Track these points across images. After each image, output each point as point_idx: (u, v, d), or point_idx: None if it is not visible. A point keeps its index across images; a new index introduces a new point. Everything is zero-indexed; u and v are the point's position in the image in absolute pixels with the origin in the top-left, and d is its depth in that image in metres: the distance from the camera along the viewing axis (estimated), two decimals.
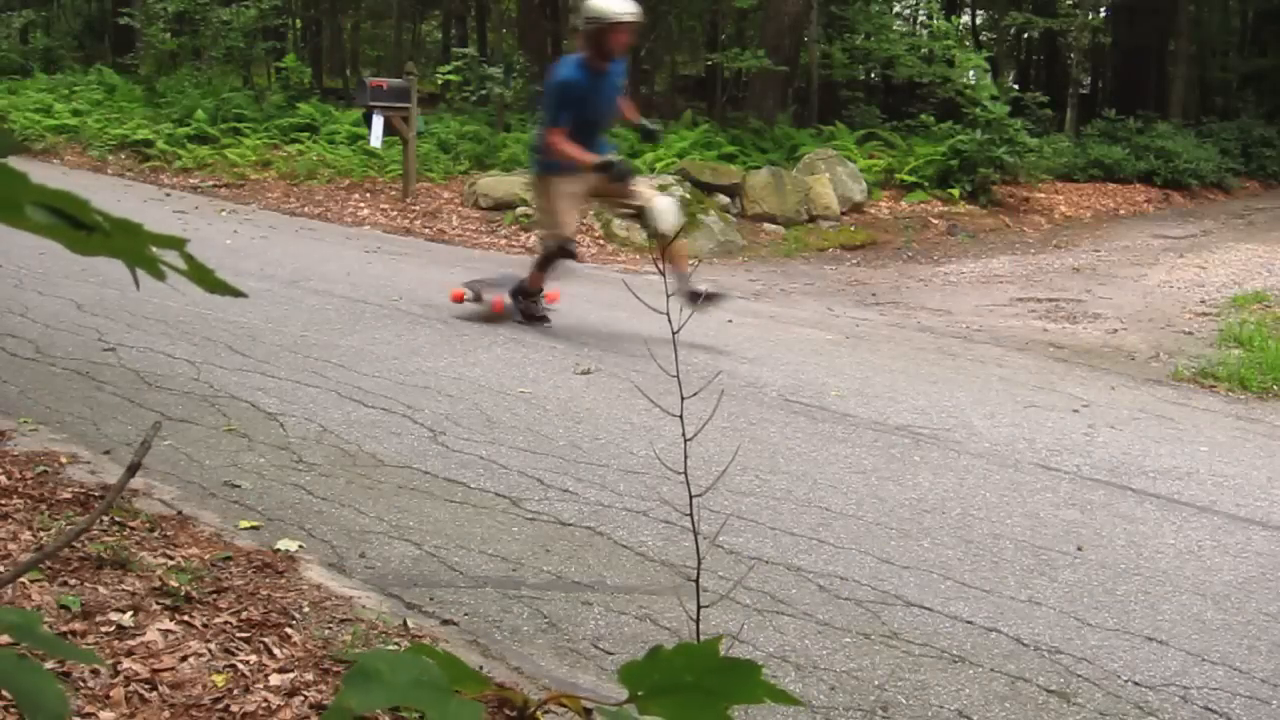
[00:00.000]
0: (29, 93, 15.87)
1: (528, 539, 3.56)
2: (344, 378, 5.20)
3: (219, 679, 2.49)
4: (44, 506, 3.41)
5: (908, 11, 21.66)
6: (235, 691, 2.45)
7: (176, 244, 0.66)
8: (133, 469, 0.87)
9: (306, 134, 13.92)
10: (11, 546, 3.06)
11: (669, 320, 1.73)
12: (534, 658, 2.85)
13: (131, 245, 0.65)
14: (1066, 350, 6.93)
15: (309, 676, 2.56)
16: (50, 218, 0.63)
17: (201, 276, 0.69)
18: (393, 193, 12.00)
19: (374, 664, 0.71)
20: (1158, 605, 3.32)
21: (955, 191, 12.70)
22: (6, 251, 6.97)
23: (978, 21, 22.59)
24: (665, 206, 6.31)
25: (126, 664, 2.50)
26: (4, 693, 1.39)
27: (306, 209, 11.42)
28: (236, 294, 0.71)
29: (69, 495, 3.55)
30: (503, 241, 10.47)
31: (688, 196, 10.58)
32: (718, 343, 6.29)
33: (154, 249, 0.66)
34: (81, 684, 2.40)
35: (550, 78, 6.36)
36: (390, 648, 2.74)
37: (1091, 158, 15.02)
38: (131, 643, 2.61)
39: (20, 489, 3.56)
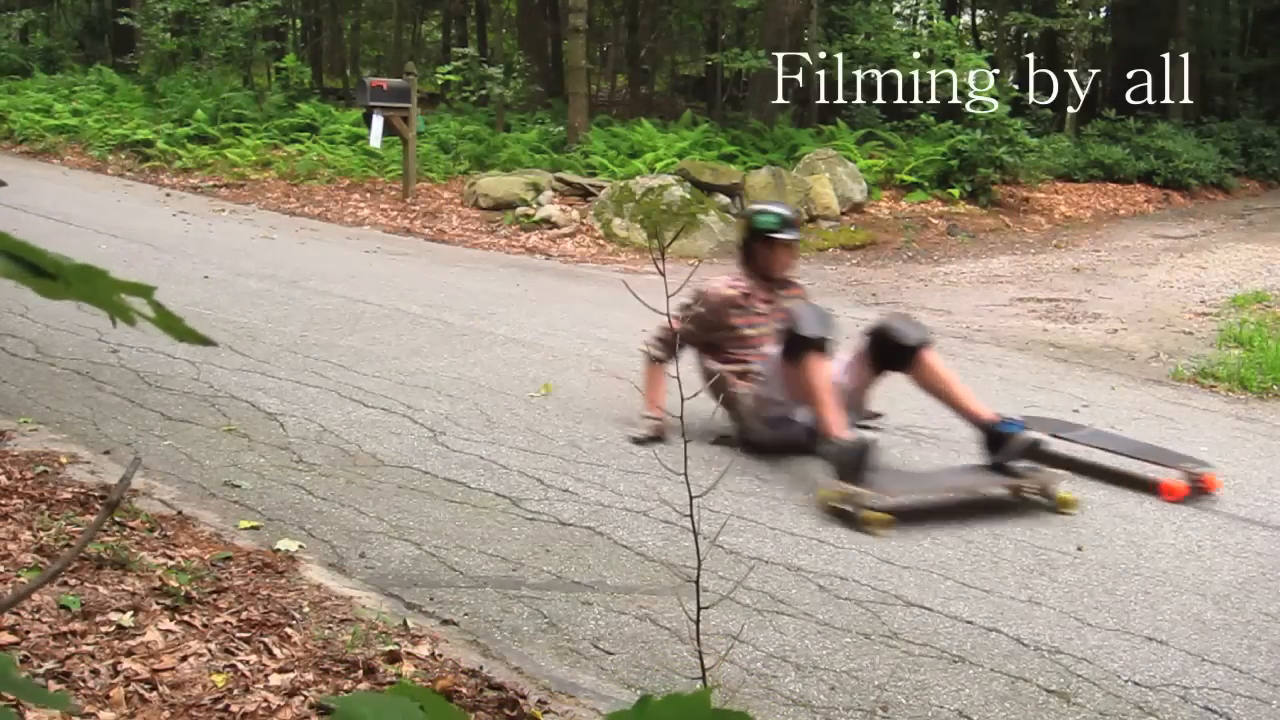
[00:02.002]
0: (29, 93, 15.88)
1: (528, 539, 3.56)
2: (344, 378, 5.20)
3: (219, 679, 2.49)
4: (44, 506, 3.41)
5: (908, 11, 21.67)
6: (235, 691, 2.45)
7: (144, 292, 0.65)
8: (111, 506, 0.86)
9: (306, 134, 13.93)
10: (11, 546, 3.06)
11: (668, 320, 1.73)
12: (534, 658, 2.85)
13: (95, 292, 0.64)
14: (1066, 350, 6.93)
15: (309, 676, 2.56)
16: (10, 264, 0.63)
17: (170, 325, 0.68)
18: (393, 193, 12.01)
19: (357, 709, 0.69)
20: (1158, 605, 3.32)
21: (955, 191, 12.70)
22: None
23: (977, 21, 22.59)
24: None
25: (126, 664, 2.50)
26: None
27: (306, 209, 11.42)
28: (206, 343, 0.71)
29: (69, 495, 3.54)
30: (503, 241, 10.47)
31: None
32: None
33: (123, 296, 0.65)
34: (81, 684, 2.39)
35: None
36: (390, 647, 2.74)
37: (1091, 158, 15.02)
38: (131, 643, 2.60)
39: (20, 489, 3.56)
